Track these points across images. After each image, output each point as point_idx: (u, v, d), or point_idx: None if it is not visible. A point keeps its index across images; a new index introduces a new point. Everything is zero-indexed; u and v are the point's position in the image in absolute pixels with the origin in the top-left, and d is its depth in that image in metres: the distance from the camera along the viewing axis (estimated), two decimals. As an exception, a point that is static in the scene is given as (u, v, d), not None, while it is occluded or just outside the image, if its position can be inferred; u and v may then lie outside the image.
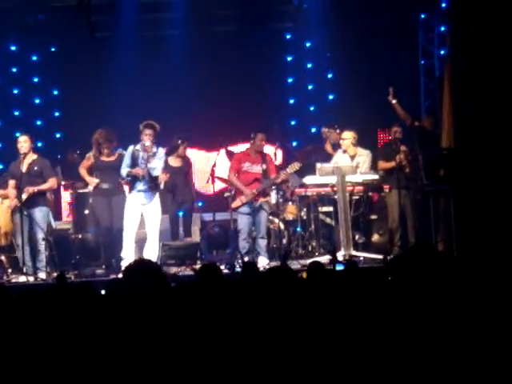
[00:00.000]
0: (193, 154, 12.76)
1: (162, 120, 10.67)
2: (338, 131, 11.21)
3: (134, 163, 9.92)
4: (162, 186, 10.14)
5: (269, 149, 12.13)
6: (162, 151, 10.12)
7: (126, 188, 10.35)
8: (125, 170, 9.96)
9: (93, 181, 10.55)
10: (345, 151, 10.67)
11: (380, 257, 9.11)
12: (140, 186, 9.94)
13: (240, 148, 11.29)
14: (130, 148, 10.01)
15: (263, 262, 10.05)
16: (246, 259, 9.99)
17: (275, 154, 11.59)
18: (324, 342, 3.40)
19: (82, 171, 10.76)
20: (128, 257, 9.77)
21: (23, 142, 9.96)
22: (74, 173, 11.04)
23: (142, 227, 10.14)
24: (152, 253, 9.92)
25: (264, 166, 10.42)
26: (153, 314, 3.52)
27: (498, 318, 3.76)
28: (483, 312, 3.84)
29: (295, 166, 10.29)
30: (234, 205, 10.46)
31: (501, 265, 5.13)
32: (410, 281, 4.23)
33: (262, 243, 10.35)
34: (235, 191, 10.54)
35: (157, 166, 9.91)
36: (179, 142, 11.12)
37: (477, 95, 10.29)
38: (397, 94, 10.89)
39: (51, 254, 10.08)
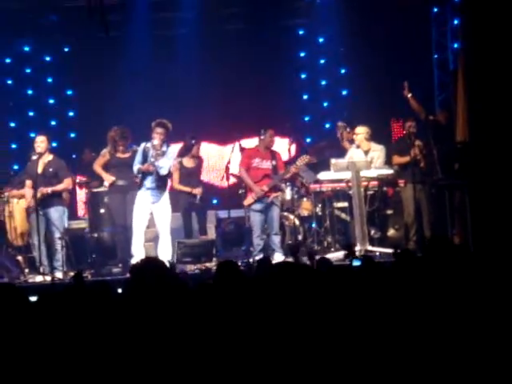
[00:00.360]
0: (206, 148, 12.77)
1: (175, 117, 10.72)
2: (348, 130, 11.20)
3: (144, 160, 9.95)
4: (197, 200, 10.34)
5: (283, 142, 12.20)
6: (171, 151, 10.12)
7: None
8: (136, 167, 9.99)
9: (109, 178, 10.59)
10: (358, 146, 10.66)
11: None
12: (148, 183, 9.95)
13: (254, 142, 11.28)
14: (142, 145, 10.05)
15: (279, 259, 10.05)
16: (260, 256, 9.99)
17: (289, 150, 11.59)
18: (334, 340, 3.40)
19: (98, 168, 10.79)
20: (138, 254, 9.79)
21: (40, 142, 9.99)
22: (90, 172, 11.08)
23: (153, 225, 10.20)
24: (166, 251, 9.96)
25: (274, 163, 10.42)
26: (165, 313, 3.53)
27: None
28: (499, 307, 3.82)
29: (304, 159, 10.28)
30: (245, 202, 10.47)
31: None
32: (424, 275, 4.22)
33: (276, 239, 10.35)
34: (246, 188, 10.55)
35: (164, 165, 9.91)
36: (193, 142, 11.15)
37: (491, 88, 10.24)
38: (411, 88, 10.87)
39: (67, 253, 10.11)
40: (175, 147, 10.67)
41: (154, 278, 3.78)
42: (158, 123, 9.91)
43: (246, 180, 10.45)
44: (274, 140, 10.57)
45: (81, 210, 12.58)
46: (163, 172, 9.93)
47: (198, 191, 10.81)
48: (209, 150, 13.31)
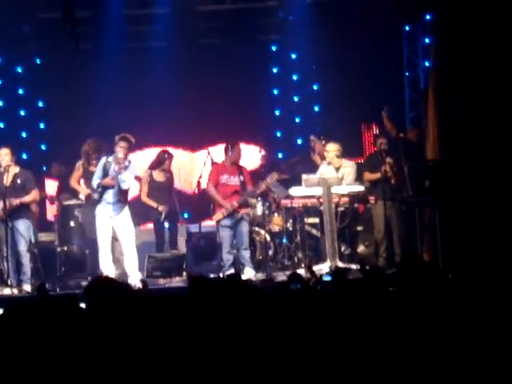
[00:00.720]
0: (178, 156, 12.75)
1: (147, 129, 10.69)
2: (323, 143, 11.25)
3: (105, 175, 9.88)
4: (162, 218, 10.33)
5: (253, 150, 12.29)
6: (134, 165, 10.05)
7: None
8: (96, 181, 9.92)
9: (85, 190, 10.49)
10: (329, 163, 10.69)
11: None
12: (109, 197, 9.87)
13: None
14: (103, 159, 9.98)
15: (249, 274, 10.04)
16: (231, 271, 9.97)
17: (261, 157, 11.55)
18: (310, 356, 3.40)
19: (74, 184, 10.70)
20: (107, 270, 9.75)
21: (4, 155, 9.90)
22: (61, 185, 11.01)
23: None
24: (132, 265, 9.88)
25: (241, 178, 10.40)
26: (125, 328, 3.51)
27: (486, 330, 3.77)
28: (471, 322, 3.84)
29: (274, 176, 10.29)
30: (215, 218, 10.43)
31: (486, 275, 5.13)
32: (393, 292, 4.23)
33: (246, 254, 10.33)
34: (214, 204, 10.51)
35: (127, 179, 9.83)
36: (166, 156, 11.11)
37: (461, 106, 10.35)
38: (389, 111, 11.01)
39: (36, 266, 10.02)
40: (136, 162, 10.58)
41: (109, 295, 3.77)
42: (122, 137, 9.87)
43: (215, 196, 10.39)
44: (241, 155, 10.56)
45: (50, 223, 12.46)
46: (125, 186, 9.86)
47: (162, 208, 10.78)
48: (181, 159, 13.29)
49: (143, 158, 12.64)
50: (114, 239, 10.07)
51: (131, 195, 10.54)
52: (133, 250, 9.95)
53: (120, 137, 9.89)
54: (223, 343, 3.49)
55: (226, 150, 10.49)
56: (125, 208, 9.95)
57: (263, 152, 11.62)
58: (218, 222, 10.38)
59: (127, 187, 9.90)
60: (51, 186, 12.58)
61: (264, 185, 10.36)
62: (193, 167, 13.45)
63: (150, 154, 12.19)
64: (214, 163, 10.85)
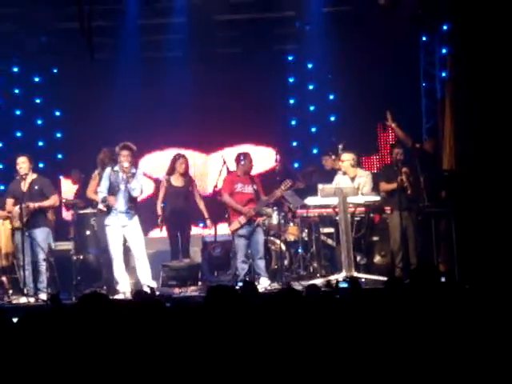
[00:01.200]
0: (191, 155, 12.76)
1: (162, 139, 10.61)
2: (333, 157, 11.26)
3: (111, 185, 9.93)
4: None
5: (266, 151, 12.30)
6: (140, 172, 10.10)
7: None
8: (102, 194, 9.97)
9: (111, 198, 10.28)
10: (345, 173, 10.67)
11: (382, 278, 9.10)
12: (120, 206, 9.91)
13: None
14: (108, 170, 10.03)
15: (265, 283, 10.03)
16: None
17: (275, 159, 11.56)
18: (324, 368, 3.40)
19: (91, 194, 10.69)
20: (121, 279, 9.79)
21: (21, 164, 9.97)
22: (77, 193, 11.04)
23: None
24: (145, 273, 9.91)
25: (255, 187, 10.43)
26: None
27: (502, 345, 3.75)
28: (487, 333, 3.82)
29: (288, 183, 10.28)
30: (231, 228, 10.43)
31: (503, 286, 5.11)
32: (411, 303, 4.22)
33: (262, 264, 10.32)
34: (230, 213, 10.50)
35: (136, 186, 9.89)
36: (178, 158, 10.95)
37: (478, 117, 10.32)
38: (395, 117, 10.94)
39: (52, 274, 10.06)
40: (141, 169, 10.58)
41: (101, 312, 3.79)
42: (123, 146, 9.92)
43: (232, 204, 10.40)
44: (252, 165, 10.57)
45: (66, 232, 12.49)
46: (136, 194, 9.92)
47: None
48: (195, 161, 13.31)
49: (159, 160, 12.95)
50: (127, 248, 10.09)
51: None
52: (145, 257, 9.99)
53: (121, 146, 9.93)
54: (239, 351, 3.49)
55: (238, 160, 10.53)
56: (135, 216, 9.99)
57: (279, 156, 11.47)
58: (235, 231, 10.37)
59: (138, 194, 9.95)
60: (69, 192, 12.65)
61: (278, 192, 10.36)
62: (207, 170, 13.53)
63: (167, 156, 12.20)
64: (229, 172, 10.86)
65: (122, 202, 9.91)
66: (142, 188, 10.05)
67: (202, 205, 10.98)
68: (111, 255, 9.93)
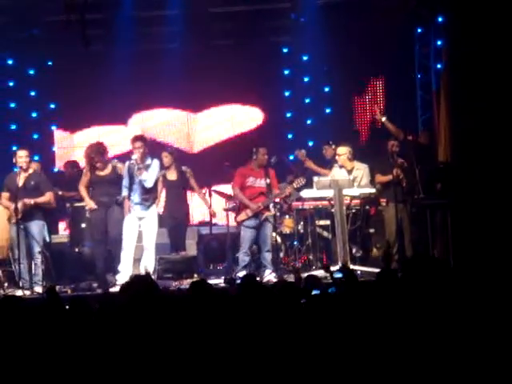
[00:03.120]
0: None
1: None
2: (333, 147, 11.24)
3: (131, 178, 9.92)
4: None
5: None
6: (156, 163, 10.07)
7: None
8: (124, 191, 9.97)
9: (90, 203, 10.26)
10: (341, 166, 10.66)
11: (378, 270, 9.10)
12: (136, 198, 9.96)
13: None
14: (126, 164, 10.02)
15: (270, 276, 10.03)
16: (244, 272, 9.93)
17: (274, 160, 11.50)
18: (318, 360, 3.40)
19: (82, 190, 10.54)
20: (125, 270, 9.74)
21: (24, 157, 9.90)
22: (72, 186, 10.98)
23: (140, 241, 10.12)
24: (149, 265, 9.91)
25: (268, 181, 10.39)
26: (145, 329, 3.51)
27: (495, 330, 3.75)
28: (481, 322, 3.83)
29: (301, 181, 10.27)
30: (239, 218, 10.43)
31: (497, 277, 5.11)
32: (404, 294, 4.22)
33: (268, 256, 10.33)
34: (240, 204, 10.51)
35: (147, 177, 9.88)
36: (167, 154, 10.94)
37: (473, 109, 10.32)
38: (384, 111, 10.94)
39: (48, 267, 10.03)
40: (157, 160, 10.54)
41: (142, 294, 3.77)
42: (135, 138, 9.98)
43: (241, 198, 10.39)
44: (266, 158, 10.51)
45: (62, 225, 12.47)
46: (148, 185, 9.91)
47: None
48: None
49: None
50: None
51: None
52: (153, 249, 10.01)
53: (133, 138, 10.00)
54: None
55: (251, 154, 10.50)
56: (152, 207, 10.01)
57: (275, 158, 11.42)
58: (241, 222, 10.37)
59: (151, 185, 9.94)
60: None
61: (289, 189, 10.38)
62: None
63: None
64: (243, 164, 10.77)
65: (137, 194, 9.93)
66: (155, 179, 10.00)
67: (201, 195, 11.04)
68: (123, 245, 9.88)
